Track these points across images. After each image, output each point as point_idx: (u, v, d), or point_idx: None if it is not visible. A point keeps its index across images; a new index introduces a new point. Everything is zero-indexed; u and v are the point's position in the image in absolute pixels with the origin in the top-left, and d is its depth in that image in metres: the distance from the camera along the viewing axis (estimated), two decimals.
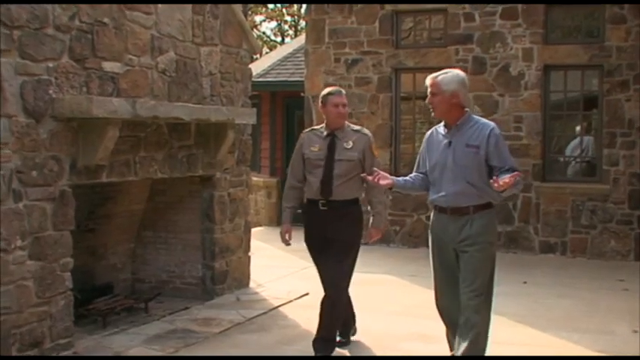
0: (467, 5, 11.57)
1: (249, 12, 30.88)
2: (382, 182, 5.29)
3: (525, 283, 9.15)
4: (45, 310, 5.84)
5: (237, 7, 8.44)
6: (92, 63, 6.19)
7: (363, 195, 6.22)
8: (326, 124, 6.14)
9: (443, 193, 5.14)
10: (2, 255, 5.45)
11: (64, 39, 5.92)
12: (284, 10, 33.62)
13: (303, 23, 31.00)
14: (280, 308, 7.78)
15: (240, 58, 8.37)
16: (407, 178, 5.47)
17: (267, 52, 25.10)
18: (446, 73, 5.14)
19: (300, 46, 15.83)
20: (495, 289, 8.00)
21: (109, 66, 6.37)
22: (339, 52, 12.38)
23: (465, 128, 5.09)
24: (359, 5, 12.20)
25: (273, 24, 35.04)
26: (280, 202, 14.82)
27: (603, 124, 11.19)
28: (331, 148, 6.03)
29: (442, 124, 5.24)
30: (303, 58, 13.83)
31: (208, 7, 7.71)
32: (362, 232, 6.15)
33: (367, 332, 6.74)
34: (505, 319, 7.27)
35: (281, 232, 6.32)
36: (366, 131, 6.22)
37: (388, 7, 12.02)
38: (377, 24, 12.05)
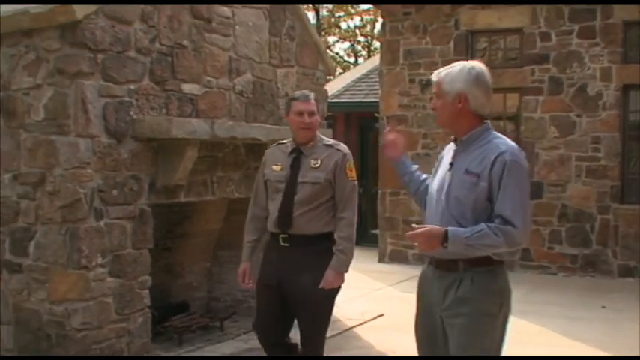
0: (542, 24, 11.46)
1: (323, 33, 31.09)
2: (388, 152, 4.09)
3: (604, 307, 8.95)
4: (124, 326, 5.95)
5: (313, 29, 8.52)
6: (172, 85, 6.32)
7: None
8: (293, 135, 4.94)
9: None
10: (84, 272, 5.59)
11: (144, 61, 6.06)
12: (357, 31, 33.74)
13: (376, 44, 31.07)
14: (355, 329, 7.76)
15: (315, 79, 8.43)
16: (416, 171, 4.08)
17: (340, 73, 25.25)
18: (452, 67, 3.65)
19: (374, 67, 15.87)
20: (574, 314, 7.84)
21: (187, 87, 6.49)
22: (414, 73, 12.36)
23: (473, 147, 3.59)
24: (434, 26, 12.19)
25: (347, 45, 35.21)
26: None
27: None
28: (295, 167, 4.80)
29: None
30: (377, 79, 13.87)
31: (285, 29, 7.80)
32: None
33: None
34: (584, 344, 7.14)
35: (239, 272, 5.03)
36: (343, 147, 4.90)
37: (463, 27, 11.98)
38: (451, 44, 12.02)
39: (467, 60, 3.68)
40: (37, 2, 6.01)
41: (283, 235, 4.74)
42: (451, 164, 3.64)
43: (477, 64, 3.62)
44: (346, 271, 4.78)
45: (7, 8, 5.94)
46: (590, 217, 11.22)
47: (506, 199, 3.41)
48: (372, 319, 8.14)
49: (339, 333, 7.54)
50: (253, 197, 5.04)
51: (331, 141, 4.94)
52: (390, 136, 4.09)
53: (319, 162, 4.76)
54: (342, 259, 4.72)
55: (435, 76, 3.67)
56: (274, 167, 4.86)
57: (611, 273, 11.11)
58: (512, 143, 3.57)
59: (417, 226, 3.48)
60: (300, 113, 4.77)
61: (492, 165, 3.45)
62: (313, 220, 4.72)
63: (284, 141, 5.02)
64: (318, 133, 4.90)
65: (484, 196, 3.46)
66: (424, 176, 4.02)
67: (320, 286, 4.65)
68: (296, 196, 4.72)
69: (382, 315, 8.25)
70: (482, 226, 3.40)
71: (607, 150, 11.18)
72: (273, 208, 4.79)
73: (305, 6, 28.50)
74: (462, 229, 3.43)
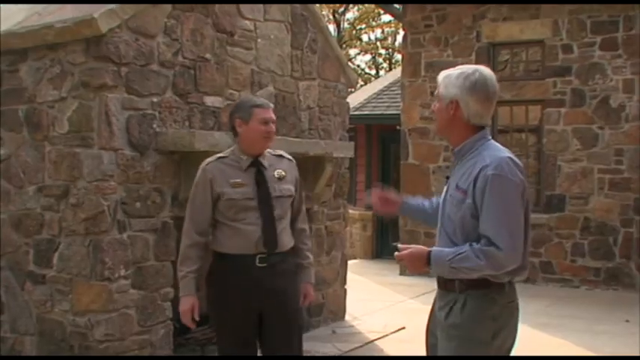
0: (564, 36, 11.42)
1: (344, 45, 31.16)
2: (386, 209, 3.84)
3: (628, 321, 8.87)
4: (146, 338, 5.97)
5: (335, 41, 8.55)
6: (194, 98, 6.36)
7: None
8: (242, 148, 4.45)
9: None
10: (107, 283, 5.63)
11: (167, 74, 6.10)
12: (378, 44, 33.81)
13: (397, 56, 31.09)
14: (376, 342, 7.74)
15: (337, 92, 8.45)
16: (421, 203, 3.84)
17: (361, 85, 25.27)
18: (455, 70, 3.41)
19: (395, 80, 15.89)
20: (596, 328, 7.78)
21: (210, 100, 6.52)
22: (435, 86, 12.20)
23: (466, 159, 3.34)
24: (455, 38, 12.19)
25: (368, 57, 35.28)
26: (376, 234, 15.09)
27: None
28: (260, 181, 4.41)
29: None
30: (398, 92, 13.87)
31: (306, 42, 7.83)
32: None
33: None
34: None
35: (184, 310, 4.46)
36: (289, 156, 4.68)
37: (484, 39, 11.97)
38: (473, 57, 12.00)
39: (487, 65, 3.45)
40: (40, 2, 6.13)
41: (263, 256, 4.35)
42: (447, 178, 3.45)
43: (481, 70, 3.36)
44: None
45: (5, 9, 6.07)
46: (614, 229, 11.14)
47: (489, 217, 3.14)
48: (393, 332, 8.12)
49: (361, 346, 7.53)
50: (191, 221, 4.45)
51: (277, 150, 4.65)
52: (376, 196, 3.80)
53: (282, 173, 4.50)
54: (312, 272, 4.72)
55: (439, 76, 3.47)
56: (234, 184, 4.37)
57: (635, 286, 11.00)
58: (503, 154, 3.25)
59: (402, 246, 3.31)
60: (266, 122, 4.41)
61: (475, 180, 3.20)
62: (287, 235, 4.51)
63: (223, 154, 4.53)
64: None
65: (470, 213, 3.21)
66: (428, 203, 3.80)
67: (306, 303, 4.66)
68: (275, 211, 4.41)
69: (404, 328, 8.22)
70: (466, 247, 3.17)
71: (630, 162, 11.10)
72: (251, 228, 4.34)
73: (326, 18, 28.60)
74: (446, 250, 3.23)
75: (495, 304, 3.24)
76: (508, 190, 3.16)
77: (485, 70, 3.35)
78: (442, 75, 3.42)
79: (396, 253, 3.33)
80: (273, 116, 4.50)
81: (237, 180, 4.37)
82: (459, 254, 3.16)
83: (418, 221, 3.81)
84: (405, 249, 3.29)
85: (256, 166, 4.44)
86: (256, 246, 4.34)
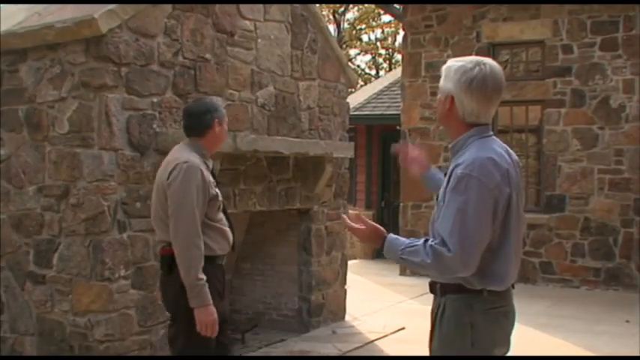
0: (564, 37, 11.42)
1: (344, 46, 31.15)
2: (413, 168, 3.78)
3: (628, 322, 8.87)
4: (146, 338, 5.97)
5: (335, 41, 8.54)
6: (194, 98, 6.34)
7: None
8: (209, 148, 4.36)
9: None
10: (107, 284, 5.62)
11: (168, 75, 6.10)
12: (378, 44, 33.79)
13: (397, 56, 31.08)
14: (376, 342, 7.73)
15: (337, 92, 8.44)
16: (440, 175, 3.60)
17: (361, 86, 25.24)
18: (458, 61, 3.12)
19: (395, 80, 15.89)
20: (596, 328, 7.76)
21: None
22: (435, 86, 12.16)
23: (456, 157, 3.10)
24: (455, 38, 12.19)
25: (368, 57, 35.26)
26: None
27: None
28: (217, 182, 4.40)
29: None
30: (398, 92, 13.86)
31: (307, 42, 7.83)
32: None
33: None
34: None
35: (214, 320, 4.09)
36: None
37: (485, 39, 11.97)
38: None
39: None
40: (40, 2, 6.13)
41: (225, 255, 4.38)
42: (445, 175, 3.18)
43: (483, 65, 3.05)
44: None
45: (6, 9, 6.07)
46: (614, 230, 11.13)
47: (447, 216, 2.92)
48: (393, 332, 8.11)
49: (361, 346, 7.53)
50: (195, 229, 4.08)
51: None
52: (412, 152, 3.75)
53: None
54: None
55: (444, 65, 3.19)
56: (214, 184, 4.26)
57: (635, 287, 10.99)
58: (484, 154, 3.00)
59: (360, 216, 3.18)
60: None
61: (448, 179, 3.00)
62: None
63: (193, 153, 4.24)
64: None
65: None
66: None
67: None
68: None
69: (403, 328, 8.22)
70: (421, 241, 2.98)
71: (630, 163, 11.09)
72: (227, 229, 4.35)
73: (326, 18, 28.59)
74: (402, 239, 3.05)
75: (472, 310, 3.03)
76: (473, 192, 2.91)
77: (488, 66, 3.06)
78: (446, 64, 3.16)
79: (346, 219, 3.19)
80: None
81: (213, 180, 4.28)
82: (412, 246, 2.99)
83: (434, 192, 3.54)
84: (365, 224, 3.13)
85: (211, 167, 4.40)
86: (228, 246, 4.36)
